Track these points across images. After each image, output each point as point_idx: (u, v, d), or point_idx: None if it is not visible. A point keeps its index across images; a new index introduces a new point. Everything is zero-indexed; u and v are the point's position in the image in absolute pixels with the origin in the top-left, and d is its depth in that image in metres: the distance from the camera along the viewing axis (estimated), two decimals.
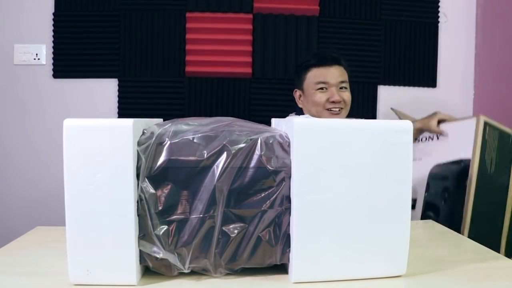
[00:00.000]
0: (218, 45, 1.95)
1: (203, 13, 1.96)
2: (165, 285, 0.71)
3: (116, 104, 1.95)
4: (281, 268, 0.77)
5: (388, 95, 2.07)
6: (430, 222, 1.22)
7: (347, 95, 1.46)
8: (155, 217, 0.69)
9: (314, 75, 1.44)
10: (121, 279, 0.70)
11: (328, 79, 1.42)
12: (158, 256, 0.70)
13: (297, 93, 1.53)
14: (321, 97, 1.42)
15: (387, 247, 0.74)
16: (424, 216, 1.53)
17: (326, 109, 1.43)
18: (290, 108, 2.00)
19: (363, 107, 2.05)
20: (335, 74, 1.44)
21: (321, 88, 1.42)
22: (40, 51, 1.96)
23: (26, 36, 1.96)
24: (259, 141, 0.71)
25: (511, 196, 1.46)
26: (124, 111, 1.96)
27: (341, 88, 1.44)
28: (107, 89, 1.97)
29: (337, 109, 1.43)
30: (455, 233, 1.06)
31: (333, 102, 1.41)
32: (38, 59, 1.96)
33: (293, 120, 0.71)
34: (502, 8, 1.95)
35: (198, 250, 0.71)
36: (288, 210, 0.72)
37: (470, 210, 1.39)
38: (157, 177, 0.69)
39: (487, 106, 2.05)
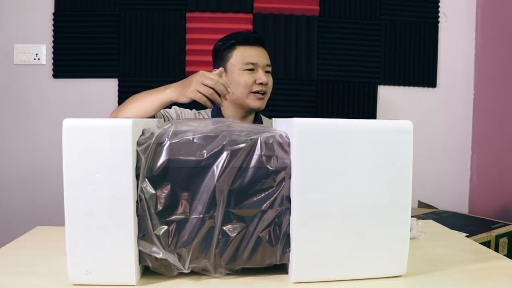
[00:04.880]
0: None
1: (203, 13, 1.96)
2: (164, 285, 0.71)
3: (116, 104, 1.95)
4: (281, 268, 0.77)
5: (388, 95, 2.07)
6: (430, 222, 1.22)
7: (270, 80, 1.35)
8: (155, 217, 0.69)
9: (242, 54, 1.32)
10: (120, 279, 0.70)
11: (257, 60, 1.31)
12: (158, 256, 0.70)
13: (217, 71, 1.42)
14: (249, 78, 1.29)
15: (387, 247, 0.74)
16: None
17: (251, 92, 1.31)
18: (290, 108, 2.00)
19: (363, 107, 2.05)
20: (262, 55, 1.34)
21: (249, 70, 1.31)
22: (40, 51, 1.96)
23: (26, 36, 1.96)
24: (259, 141, 0.71)
25: None
26: None
27: (267, 72, 1.34)
28: (107, 89, 1.97)
29: (262, 93, 1.32)
30: (455, 232, 1.06)
31: (260, 84, 1.30)
32: (38, 59, 1.96)
33: (293, 120, 0.71)
34: (502, 8, 1.95)
35: (198, 250, 0.71)
36: (288, 210, 0.72)
37: None
38: (157, 177, 0.69)
39: (487, 106, 2.05)
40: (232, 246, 0.71)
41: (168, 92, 1.03)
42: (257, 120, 1.42)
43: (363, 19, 2.03)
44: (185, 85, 1.00)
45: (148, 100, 1.07)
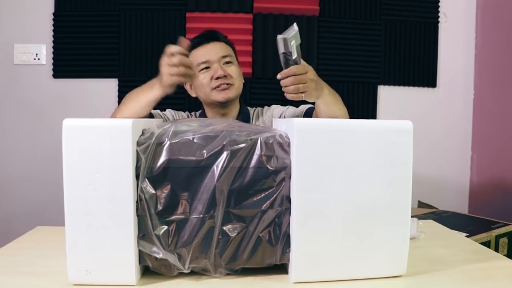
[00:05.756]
0: None
1: (203, 13, 1.96)
2: (164, 285, 0.71)
3: (116, 104, 1.95)
4: (281, 268, 0.77)
5: (388, 95, 2.07)
6: (430, 222, 1.22)
7: (232, 69, 1.30)
8: (155, 217, 0.69)
9: (194, 57, 1.27)
10: (120, 279, 0.70)
11: (208, 57, 1.28)
12: (158, 256, 0.70)
13: (187, 85, 1.37)
14: (204, 77, 1.27)
15: (387, 247, 0.74)
16: None
17: (213, 89, 1.27)
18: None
19: (363, 107, 2.05)
20: (214, 50, 1.30)
21: (204, 69, 1.28)
22: (40, 51, 1.96)
23: (26, 36, 1.96)
24: (259, 141, 0.71)
25: None
26: None
27: (225, 63, 1.30)
28: (107, 89, 1.97)
29: (225, 85, 1.27)
30: (455, 233, 1.06)
31: (217, 78, 1.26)
32: (38, 59, 1.96)
33: (293, 120, 0.71)
34: (502, 9, 1.95)
35: (198, 250, 0.71)
36: (288, 210, 0.72)
37: None
38: (157, 177, 0.69)
39: (487, 106, 2.05)
40: (232, 246, 0.71)
41: (154, 90, 1.03)
42: (242, 113, 1.39)
43: (363, 19, 2.03)
44: (160, 75, 1.00)
45: (139, 100, 1.07)
